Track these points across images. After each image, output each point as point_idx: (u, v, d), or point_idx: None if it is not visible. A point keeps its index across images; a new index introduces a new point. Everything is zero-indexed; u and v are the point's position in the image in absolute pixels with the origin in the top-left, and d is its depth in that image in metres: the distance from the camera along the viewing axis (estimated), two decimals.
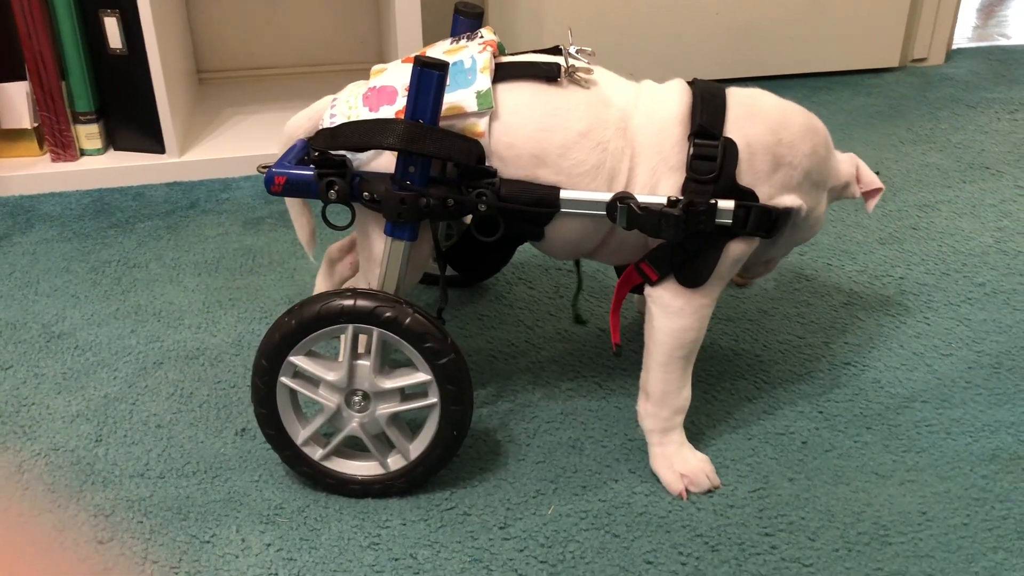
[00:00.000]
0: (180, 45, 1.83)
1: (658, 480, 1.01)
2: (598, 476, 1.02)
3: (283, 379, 0.95)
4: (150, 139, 1.68)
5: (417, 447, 0.97)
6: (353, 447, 1.00)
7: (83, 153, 1.69)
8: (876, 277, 1.37)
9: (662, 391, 1.00)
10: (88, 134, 1.67)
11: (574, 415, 1.11)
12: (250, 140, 1.74)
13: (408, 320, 0.92)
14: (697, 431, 1.08)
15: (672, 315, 0.98)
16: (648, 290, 1.00)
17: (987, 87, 2.05)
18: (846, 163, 1.06)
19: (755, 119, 0.96)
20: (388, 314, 0.92)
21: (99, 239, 1.50)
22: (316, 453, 0.98)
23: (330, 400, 0.96)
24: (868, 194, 1.08)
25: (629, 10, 1.98)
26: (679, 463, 1.00)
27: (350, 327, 0.93)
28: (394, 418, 0.97)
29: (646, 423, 1.02)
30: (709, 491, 1.00)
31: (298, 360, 0.95)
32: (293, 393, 0.97)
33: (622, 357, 1.20)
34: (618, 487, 1.01)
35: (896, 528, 0.95)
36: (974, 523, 0.95)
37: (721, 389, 1.15)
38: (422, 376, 0.94)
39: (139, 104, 1.65)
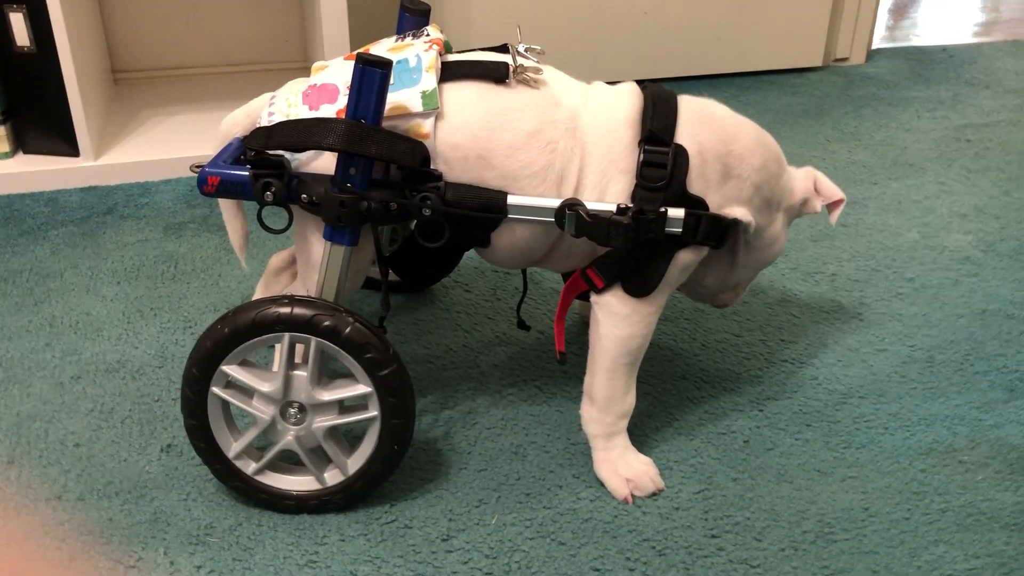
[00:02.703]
0: (93, 43, 1.75)
1: (603, 485, 0.99)
2: (542, 483, 1.00)
3: (215, 389, 0.91)
4: (63, 142, 1.60)
5: (356, 461, 0.94)
6: (288, 461, 0.96)
7: None
8: (809, 274, 1.38)
9: (607, 397, 0.98)
10: None
11: (516, 421, 1.08)
12: (170, 142, 1.67)
13: (348, 329, 0.88)
14: (640, 433, 1.06)
15: (619, 322, 0.96)
16: (595, 296, 0.98)
17: (907, 86, 2.10)
18: (801, 179, 1.05)
19: (706, 127, 0.95)
20: (327, 323, 0.88)
21: (8, 248, 1.42)
22: (249, 467, 0.94)
23: (264, 412, 0.92)
24: (831, 206, 1.06)
25: (559, 9, 1.97)
26: (624, 468, 0.99)
27: (286, 336, 0.89)
28: (332, 431, 0.93)
29: (590, 428, 1.00)
30: (654, 494, 0.98)
31: (231, 370, 0.90)
32: (225, 404, 0.92)
33: (525, 360, 1.19)
34: (562, 493, 0.99)
35: (840, 525, 0.95)
36: (915, 517, 0.96)
37: (662, 390, 1.14)
38: (362, 388, 0.91)
39: (50, 105, 1.57)
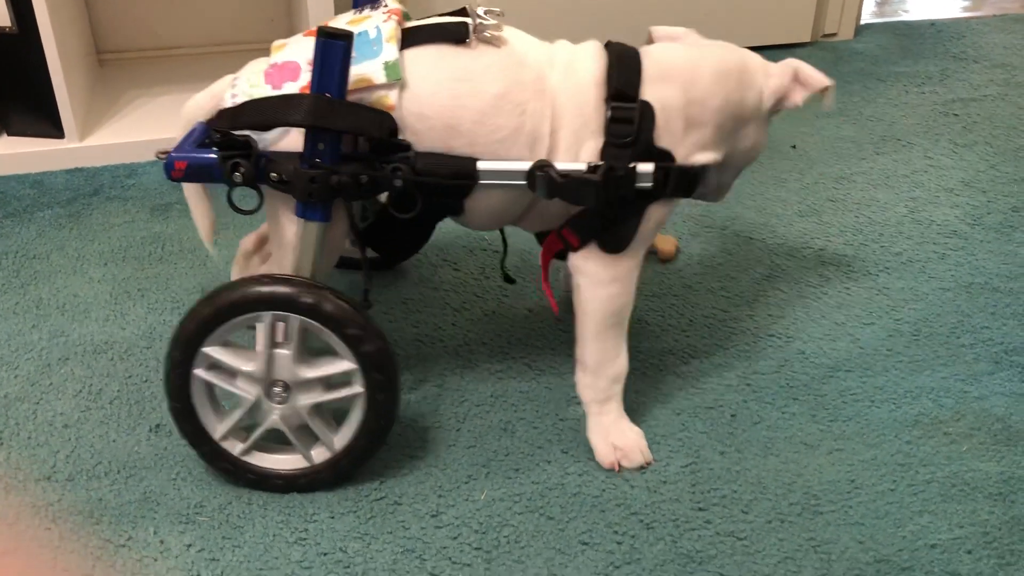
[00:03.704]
0: (77, 23, 1.74)
1: (591, 458, 1.00)
2: (530, 458, 1.00)
3: (198, 371, 0.91)
4: (47, 123, 1.59)
5: (342, 438, 0.94)
6: (276, 441, 0.96)
7: None
8: (796, 249, 1.39)
9: (597, 361, 0.99)
10: None
11: (504, 397, 1.09)
12: (156, 123, 1.66)
13: (329, 306, 0.88)
14: (628, 408, 1.07)
15: (598, 284, 0.97)
16: (572, 261, 0.98)
17: (895, 61, 2.10)
18: (777, 76, 1.01)
19: (667, 79, 0.95)
20: (308, 300, 0.88)
21: None
22: (236, 448, 0.94)
23: (248, 392, 0.92)
24: (820, 92, 1.02)
25: None
26: (616, 435, 1.00)
27: (268, 315, 0.89)
28: (317, 409, 0.93)
29: (584, 394, 1.01)
30: (642, 467, 0.99)
31: (213, 351, 0.90)
32: (209, 386, 0.92)
33: (552, 335, 1.19)
34: (551, 468, 0.99)
35: (826, 497, 0.96)
36: (900, 488, 0.97)
37: (650, 365, 1.14)
38: (345, 364, 0.91)
39: (34, 87, 1.56)
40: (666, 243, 1.35)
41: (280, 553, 0.89)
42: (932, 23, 2.33)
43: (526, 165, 0.91)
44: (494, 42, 0.94)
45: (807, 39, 2.18)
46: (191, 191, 1.03)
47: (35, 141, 1.59)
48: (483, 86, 0.91)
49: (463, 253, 1.36)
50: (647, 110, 0.93)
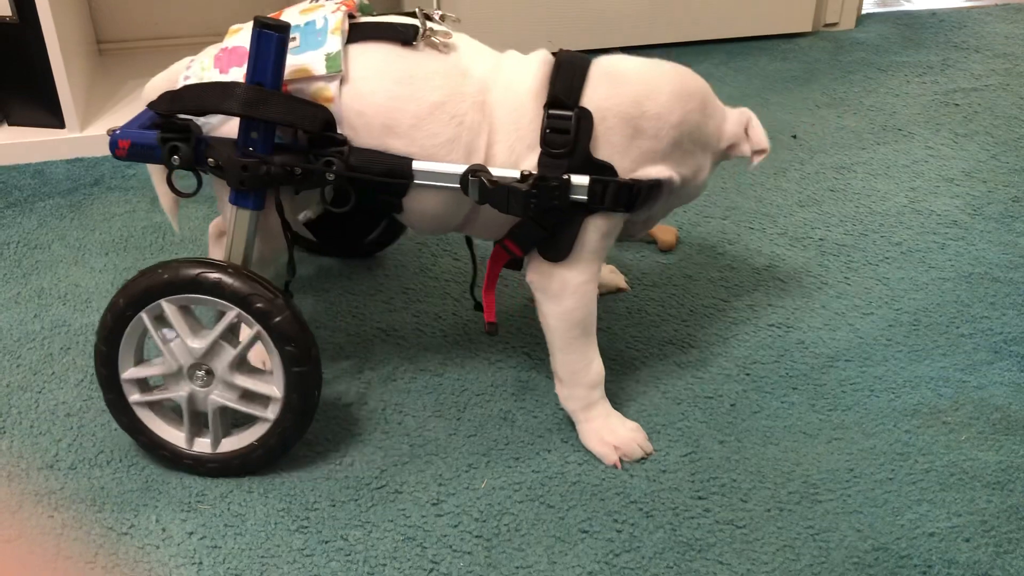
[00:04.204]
0: (76, 13, 1.73)
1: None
2: (530, 447, 1.01)
3: (143, 314, 0.91)
4: (48, 113, 1.59)
5: (234, 443, 0.95)
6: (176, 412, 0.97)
7: None
8: (797, 239, 1.39)
9: (570, 372, 0.99)
10: None
11: (505, 387, 1.09)
12: None
13: (233, 281, 0.88)
14: (627, 397, 1.07)
15: (553, 298, 0.97)
16: (527, 277, 0.98)
17: (896, 51, 2.09)
18: (733, 122, 1.02)
19: (616, 88, 0.93)
20: (212, 277, 0.89)
21: None
22: (133, 395, 0.94)
23: (175, 360, 0.92)
24: (755, 154, 1.03)
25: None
26: (609, 435, 1.00)
27: (235, 309, 0.90)
28: (223, 409, 0.94)
29: (567, 405, 1.01)
30: (643, 458, 0.99)
31: (169, 308, 0.91)
32: (143, 333, 0.93)
33: (513, 326, 1.19)
34: (551, 457, 0.99)
35: (825, 486, 0.96)
36: (899, 477, 0.97)
37: (649, 355, 1.14)
38: (273, 389, 0.92)
39: (34, 76, 1.56)
40: (667, 233, 1.35)
41: (281, 541, 0.90)
42: (933, 12, 2.33)
43: (460, 168, 0.91)
44: (442, 48, 0.94)
45: (808, 29, 2.18)
46: (154, 169, 1.04)
47: (36, 131, 1.60)
48: (423, 93, 0.91)
49: (463, 244, 1.36)
50: (585, 118, 0.91)
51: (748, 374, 1.12)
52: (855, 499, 0.95)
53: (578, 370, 0.99)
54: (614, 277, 1.25)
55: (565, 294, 0.96)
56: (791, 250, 1.36)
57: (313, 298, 1.24)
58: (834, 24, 2.23)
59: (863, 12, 2.32)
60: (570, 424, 1.03)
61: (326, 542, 0.90)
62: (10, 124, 1.62)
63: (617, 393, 1.08)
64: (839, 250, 1.36)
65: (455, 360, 1.13)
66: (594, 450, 1.00)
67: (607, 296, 1.25)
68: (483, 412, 1.05)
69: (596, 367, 0.99)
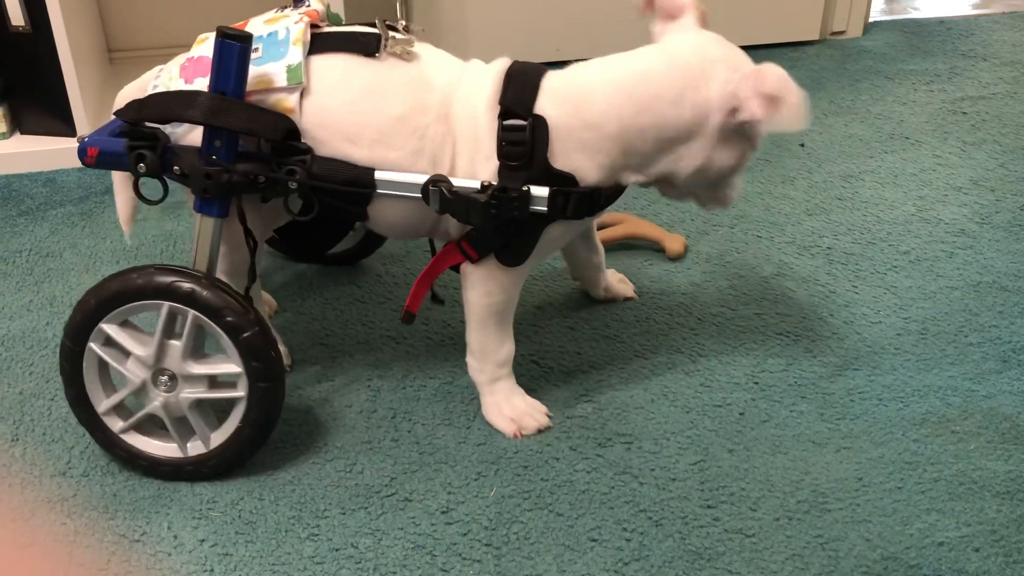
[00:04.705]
0: (88, 22, 1.75)
1: (600, 455, 1.01)
2: (539, 455, 1.01)
3: (92, 345, 0.92)
4: (59, 122, 1.60)
5: (221, 435, 0.96)
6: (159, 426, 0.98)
7: None
8: (805, 248, 1.39)
9: (481, 349, 1.02)
10: None
11: None
12: None
13: (206, 293, 0.90)
14: (635, 405, 1.08)
15: (480, 289, 0.99)
16: (463, 265, 0.99)
17: (903, 59, 2.10)
18: (719, 88, 0.91)
19: (562, 96, 0.93)
20: (185, 287, 0.90)
21: (8, 228, 1.42)
22: (116, 425, 0.95)
23: (136, 375, 0.93)
24: (768, 105, 0.90)
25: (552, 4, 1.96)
26: (507, 408, 1.03)
27: (165, 305, 0.90)
28: (198, 404, 0.95)
29: (475, 377, 1.05)
30: (540, 431, 1.03)
31: (111, 329, 0.92)
32: (102, 363, 0.94)
33: (560, 333, 1.19)
34: (559, 465, 1.00)
35: (834, 495, 0.96)
36: (908, 487, 0.97)
37: (658, 363, 1.15)
38: (231, 366, 0.92)
39: (46, 85, 1.57)
40: (674, 241, 1.36)
41: (292, 548, 0.90)
42: (941, 20, 2.33)
43: (422, 178, 0.92)
44: (405, 57, 0.94)
45: (815, 37, 2.18)
46: (117, 177, 1.06)
47: (47, 140, 1.61)
48: (385, 106, 0.92)
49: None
50: (540, 128, 0.91)
51: (757, 383, 1.12)
52: (864, 508, 0.95)
53: (490, 350, 1.02)
54: (623, 286, 1.25)
55: (492, 288, 0.99)
56: (799, 259, 1.36)
57: (322, 306, 1.25)
58: (841, 32, 2.23)
59: (870, 20, 2.32)
60: (578, 432, 1.04)
61: (336, 550, 0.90)
62: (22, 133, 1.63)
63: (626, 402, 1.08)
64: (847, 259, 1.36)
65: (464, 368, 1.14)
66: (493, 423, 1.04)
67: (615, 305, 1.25)
68: None
69: (507, 348, 1.03)
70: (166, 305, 0.90)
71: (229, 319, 0.90)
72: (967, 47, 2.16)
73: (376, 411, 1.07)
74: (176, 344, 0.92)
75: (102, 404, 0.95)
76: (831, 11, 2.19)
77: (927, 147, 1.69)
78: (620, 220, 1.39)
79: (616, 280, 1.25)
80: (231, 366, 0.92)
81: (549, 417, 1.05)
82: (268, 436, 0.97)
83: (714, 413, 1.07)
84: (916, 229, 1.43)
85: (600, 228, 1.39)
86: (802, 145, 1.70)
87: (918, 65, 2.06)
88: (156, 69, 1.00)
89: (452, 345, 1.18)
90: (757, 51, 2.13)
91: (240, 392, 0.93)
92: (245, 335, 0.91)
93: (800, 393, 1.10)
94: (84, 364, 0.93)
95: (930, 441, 1.03)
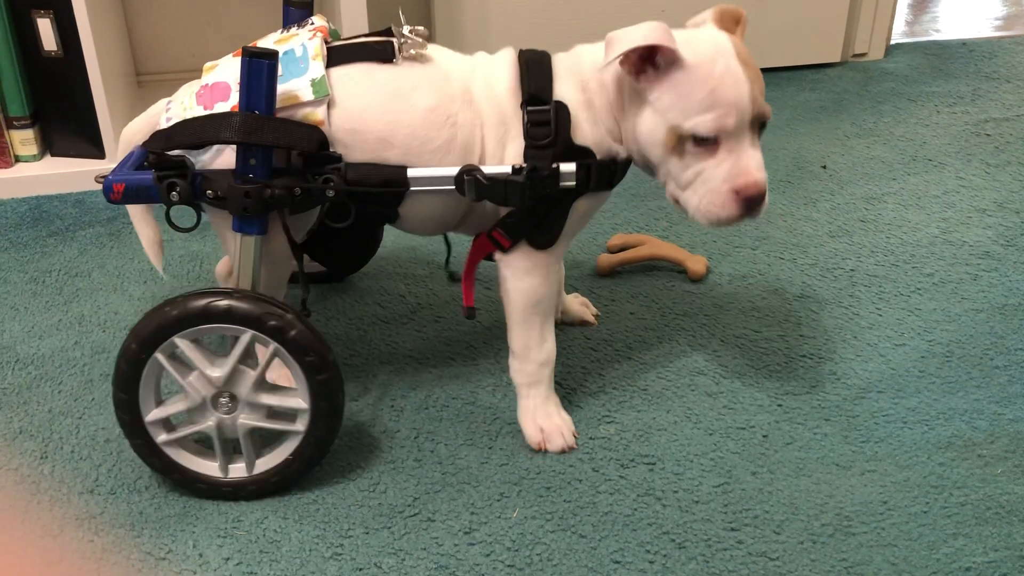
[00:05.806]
0: (118, 46, 1.78)
1: (623, 476, 1.01)
2: (562, 476, 1.01)
3: (158, 355, 0.92)
4: (89, 144, 1.63)
5: (267, 463, 0.97)
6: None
7: (18, 159, 1.63)
8: (828, 270, 1.39)
9: (523, 346, 1.03)
10: (23, 140, 1.62)
11: None
12: None
13: (295, 332, 0.91)
14: (658, 427, 1.08)
15: (522, 276, 1.01)
16: (498, 255, 1.02)
17: (926, 81, 2.09)
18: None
19: (573, 79, 0.98)
20: (274, 323, 0.91)
21: (38, 248, 1.45)
22: (160, 436, 0.95)
23: (198, 392, 0.94)
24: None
25: (575, 5, 1.97)
26: (541, 417, 1.04)
27: (249, 333, 0.91)
28: (252, 431, 0.96)
29: (515, 378, 1.05)
30: (563, 451, 1.03)
31: (182, 343, 0.92)
32: (159, 377, 0.94)
33: (583, 354, 1.20)
34: (582, 487, 1.00)
35: (859, 518, 0.96)
36: (934, 511, 0.96)
37: (681, 385, 1.15)
38: (298, 402, 0.94)
39: (76, 108, 1.60)
40: (696, 263, 1.36)
41: (316, 568, 0.91)
42: (963, 43, 2.33)
43: (453, 170, 0.95)
44: (419, 59, 0.98)
45: (837, 59, 2.18)
46: (134, 212, 1.08)
47: (77, 161, 1.63)
48: (414, 101, 0.95)
49: (494, 271, 1.38)
50: (562, 110, 0.96)
51: (780, 405, 1.11)
52: (889, 532, 0.94)
53: (532, 346, 1.03)
54: (583, 310, 1.27)
55: (533, 272, 1.01)
56: (822, 280, 1.36)
57: (346, 325, 1.26)
58: (863, 54, 2.23)
59: (892, 42, 2.32)
60: (601, 453, 1.04)
61: (360, 569, 0.90)
62: (53, 155, 1.66)
63: (648, 423, 1.08)
64: (870, 281, 1.36)
65: (486, 388, 1.14)
66: (524, 427, 1.05)
67: (637, 327, 1.25)
68: (515, 441, 1.06)
69: (549, 346, 1.04)
70: (249, 333, 0.91)
71: (310, 359, 0.91)
72: (990, 69, 2.15)
73: (399, 431, 1.08)
74: (250, 372, 0.93)
75: (151, 413, 0.95)
76: (853, 33, 2.20)
77: (950, 169, 1.69)
78: (642, 241, 1.40)
79: (577, 303, 1.27)
80: (299, 402, 0.94)
81: (575, 437, 1.05)
82: (311, 472, 0.98)
83: (737, 435, 1.07)
84: (940, 251, 1.43)
85: (622, 249, 1.39)
86: (824, 167, 1.70)
87: (940, 87, 2.06)
88: (163, 101, 1.02)
89: (474, 366, 1.18)
90: (779, 73, 2.14)
91: (299, 427, 0.94)
92: (320, 377, 0.92)
93: (824, 415, 1.10)
94: (144, 371, 0.93)
95: (956, 465, 1.02)
